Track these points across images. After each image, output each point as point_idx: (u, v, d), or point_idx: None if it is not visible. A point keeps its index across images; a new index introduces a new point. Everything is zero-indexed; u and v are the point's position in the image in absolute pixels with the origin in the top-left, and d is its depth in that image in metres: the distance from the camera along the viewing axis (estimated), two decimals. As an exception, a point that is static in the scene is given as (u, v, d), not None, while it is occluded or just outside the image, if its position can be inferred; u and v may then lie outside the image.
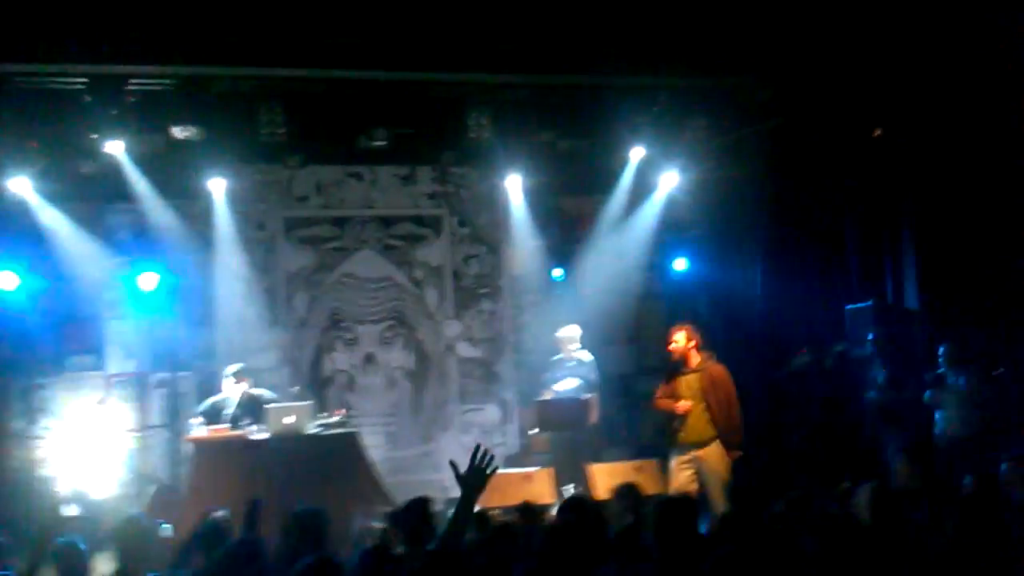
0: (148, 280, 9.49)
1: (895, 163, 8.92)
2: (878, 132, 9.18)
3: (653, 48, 8.73)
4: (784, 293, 9.89)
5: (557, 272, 10.92)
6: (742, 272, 10.69)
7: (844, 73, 9.07)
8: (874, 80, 9.05)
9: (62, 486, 8.85)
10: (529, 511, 5.46)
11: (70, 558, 4.49)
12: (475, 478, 3.61)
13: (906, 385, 8.22)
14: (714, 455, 7.66)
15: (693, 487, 7.53)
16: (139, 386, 9.69)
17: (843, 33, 8.84)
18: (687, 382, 7.74)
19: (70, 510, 4.55)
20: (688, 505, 4.38)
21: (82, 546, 4.57)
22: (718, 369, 7.77)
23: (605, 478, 8.65)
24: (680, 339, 7.79)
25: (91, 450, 9.28)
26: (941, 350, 7.87)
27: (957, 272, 8.36)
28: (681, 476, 7.70)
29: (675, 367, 7.81)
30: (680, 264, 10.83)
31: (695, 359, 7.78)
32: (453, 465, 3.71)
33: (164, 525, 5.03)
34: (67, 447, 9.25)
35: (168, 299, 9.68)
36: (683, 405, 7.70)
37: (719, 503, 7.28)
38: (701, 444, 7.69)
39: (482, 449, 3.64)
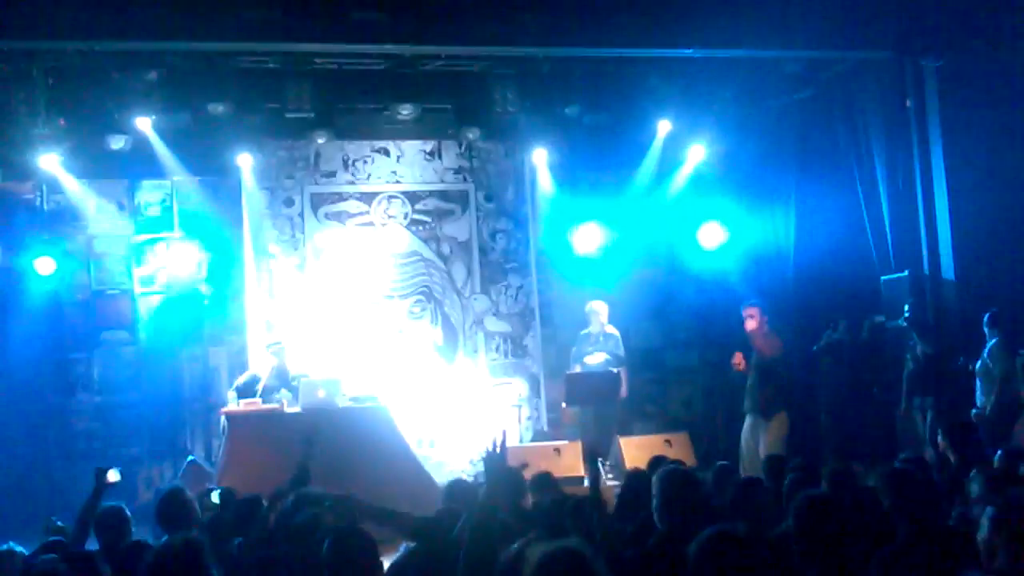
0: (182, 254, 9.63)
1: (928, 132, 8.82)
2: (909, 103, 9.06)
3: (680, 20, 8.65)
4: (818, 265, 9.83)
5: (585, 246, 10.87)
6: (774, 245, 10.62)
7: (876, 43, 8.98)
8: (906, 50, 8.96)
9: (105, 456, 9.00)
10: (546, 482, 5.41)
11: (113, 523, 4.53)
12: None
13: (943, 357, 8.15)
14: (772, 424, 7.99)
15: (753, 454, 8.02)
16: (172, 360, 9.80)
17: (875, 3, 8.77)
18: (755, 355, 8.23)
19: (111, 476, 4.60)
20: (685, 477, 4.29)
21: (126, 512, 4.61)
22: (768, 343, 8.27)
23: (635, 451, 8.70)
24: (755, 315, 8.26)
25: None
26: (986, 319, 7.82)
27: (994, 242, 8.27)
28: (746, 442, 8.20)
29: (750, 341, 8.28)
30: (710, 237, 10.76)
31: (762, 333, 8.27)
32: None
33: (214, 492, 5.07)
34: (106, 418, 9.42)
35: (199, 274, 9.77)
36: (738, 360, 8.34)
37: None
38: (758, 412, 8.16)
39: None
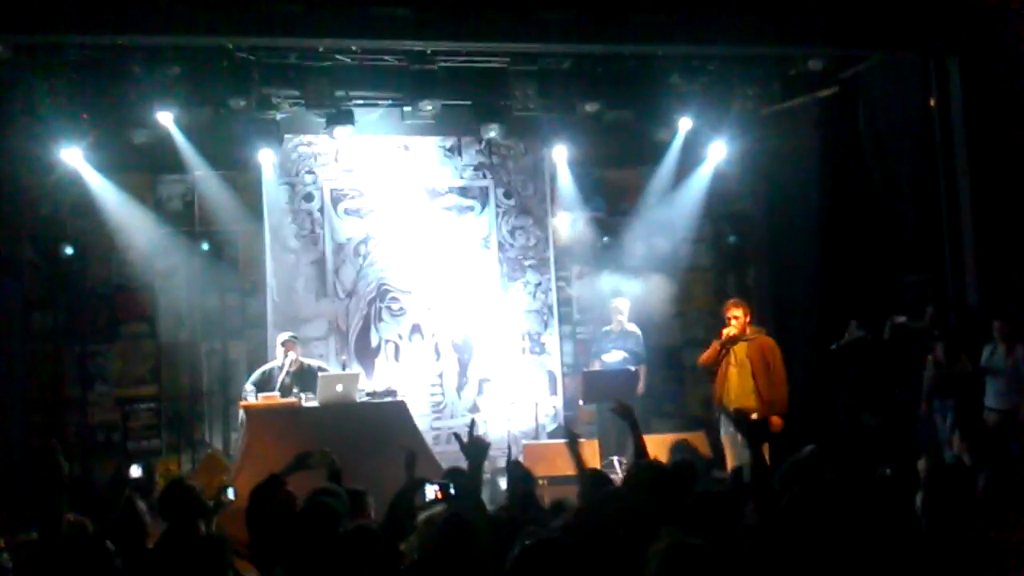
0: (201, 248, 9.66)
1: (952, 132, 8.74)
2: (933, 102, 8.98)
3: (701, 16, 8.60)
4: (839, 264, 9.76)
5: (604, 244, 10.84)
6: (795, 243, 10.55)
7: (899, 39, 8.91)
8: (929, 48, 8.88)
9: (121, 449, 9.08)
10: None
11: (131, 516, 4.56)
12: (475, 449, 4.29)
13: (963, 358, 8.09)
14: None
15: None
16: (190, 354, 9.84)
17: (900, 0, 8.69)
18: (736, 351, 7.99)
19: (132, 471, 4.62)
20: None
21: (142, 505, 4.64)
22: (767, 340, 8.10)
23: (652, 449, 8.62)
24: (740, 314, 8.07)
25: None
26: (995, 325, 7.79)
27: (1018, 244, 8.20)
28: (729, 446, 7.81)
29: (733, 338, 8.04)
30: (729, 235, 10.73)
31: (748, 331, 8.08)
32: (457, 437, 4.44)
33: (228, 489, 5.08)
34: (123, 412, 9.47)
35: (219, 268, 9.80)
36: (726, 332, 8.01)
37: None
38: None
39: (474, 424, 4.51)
